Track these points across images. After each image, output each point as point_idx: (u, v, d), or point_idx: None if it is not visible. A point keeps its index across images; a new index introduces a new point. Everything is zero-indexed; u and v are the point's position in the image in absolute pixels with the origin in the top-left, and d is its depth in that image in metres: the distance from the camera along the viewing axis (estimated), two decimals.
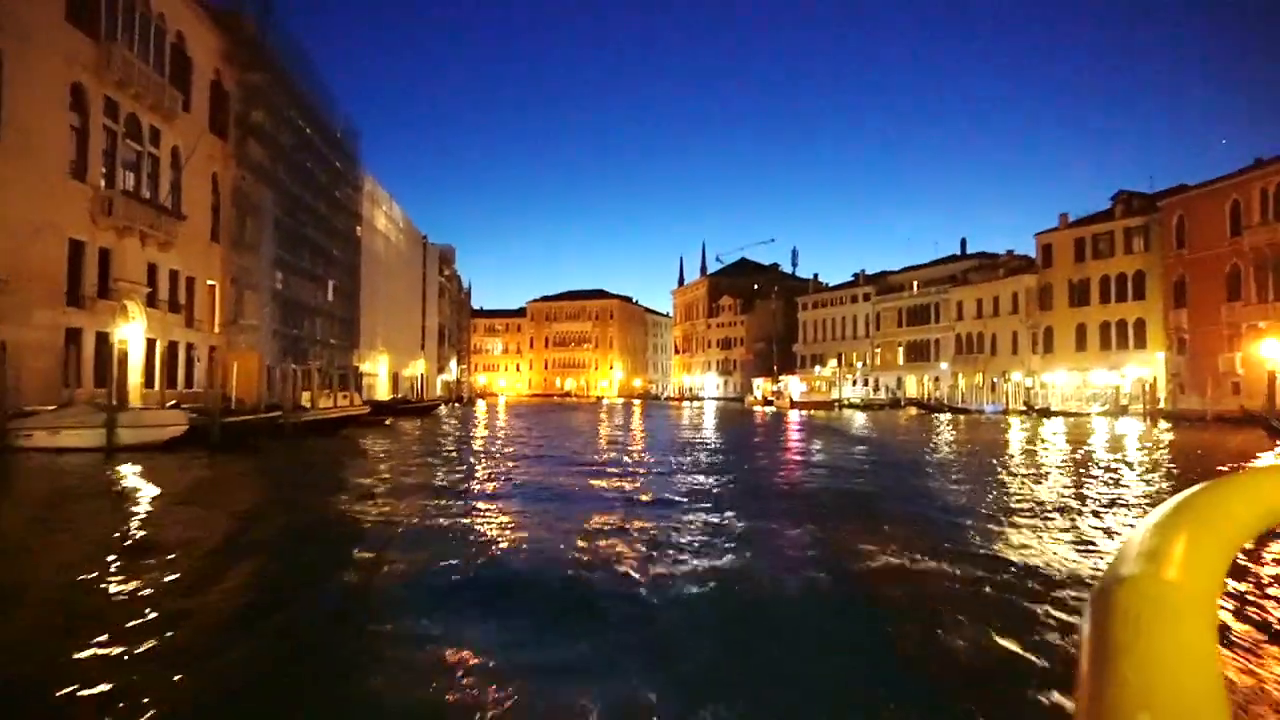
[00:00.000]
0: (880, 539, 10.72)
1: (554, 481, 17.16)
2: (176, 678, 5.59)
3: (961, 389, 72.16)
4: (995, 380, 69.69)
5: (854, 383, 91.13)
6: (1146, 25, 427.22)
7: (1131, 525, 11.81)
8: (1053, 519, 12.54)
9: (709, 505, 13.80)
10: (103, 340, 26.78)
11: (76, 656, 5.86)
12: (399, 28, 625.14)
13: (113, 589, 7.90)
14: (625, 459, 23.11)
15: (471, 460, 22.55)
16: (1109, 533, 11.48)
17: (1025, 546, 10.35)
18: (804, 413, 69.41)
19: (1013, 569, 9.05)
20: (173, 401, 27.90)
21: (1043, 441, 32.39)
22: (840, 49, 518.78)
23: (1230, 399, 43.80)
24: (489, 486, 16.66)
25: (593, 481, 17.16)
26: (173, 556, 9.38)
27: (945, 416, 59.60)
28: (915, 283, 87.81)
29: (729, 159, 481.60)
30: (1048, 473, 20.01)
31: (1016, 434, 37.85)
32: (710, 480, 17.75)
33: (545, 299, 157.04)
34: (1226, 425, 39.26)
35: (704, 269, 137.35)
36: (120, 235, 28.17)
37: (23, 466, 17.73)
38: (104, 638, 6.26)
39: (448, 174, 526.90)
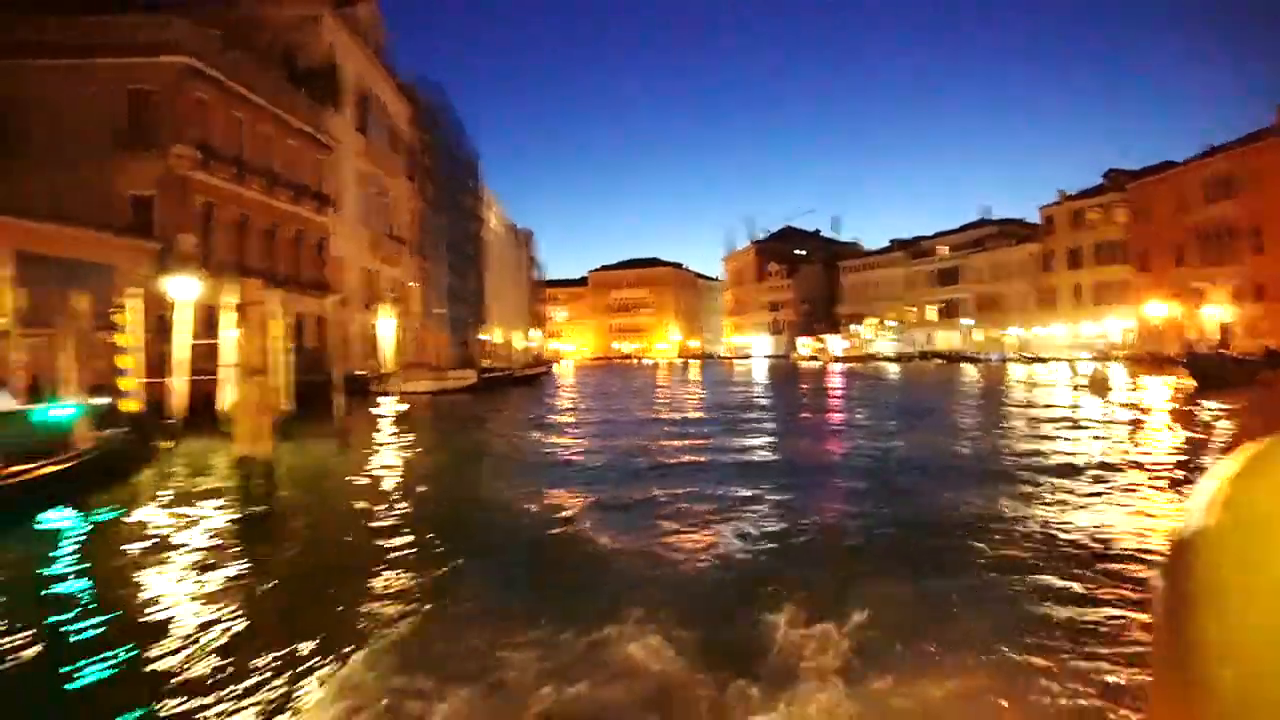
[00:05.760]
0: (877, 410, 24.93)
1: (662, 392, 31.56)
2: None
3: (978, 342, 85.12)
4: (1008, 333, 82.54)
5: (891, 339, 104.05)
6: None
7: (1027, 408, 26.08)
8: (974, 395, 26.59)
9: (771, 406, 28.05)
10: (376, 329, 41.78)
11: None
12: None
13: (483, 428, 22.45)
14: (704, 391, 37.43)
15: (611, 384, 37.42)
16: (993, 403, 25.45)
17: (938, 398, 24.43)
18: (844, 365, 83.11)
19: (930, 405, 23.18)
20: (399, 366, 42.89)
21: (1012, 376, 46.04)
22: (875, 30, 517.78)
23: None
24: (634, 390, 31.11)
25: (685, 393, 31.47)
26: (497, 421, 24.06)
27: (959, 365, 72.95)
28: (944, 247, 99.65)
29: (773, 131, 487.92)
30: (981, 384, 33.90)
31: (996, 372, 51.39)
32: (770, 394, 31.95)
33: (605, 268, 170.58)
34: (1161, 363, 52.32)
35: (751, 237, 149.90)
36: (380, 260, 43.07)
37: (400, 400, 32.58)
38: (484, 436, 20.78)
39: (505, 146, 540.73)
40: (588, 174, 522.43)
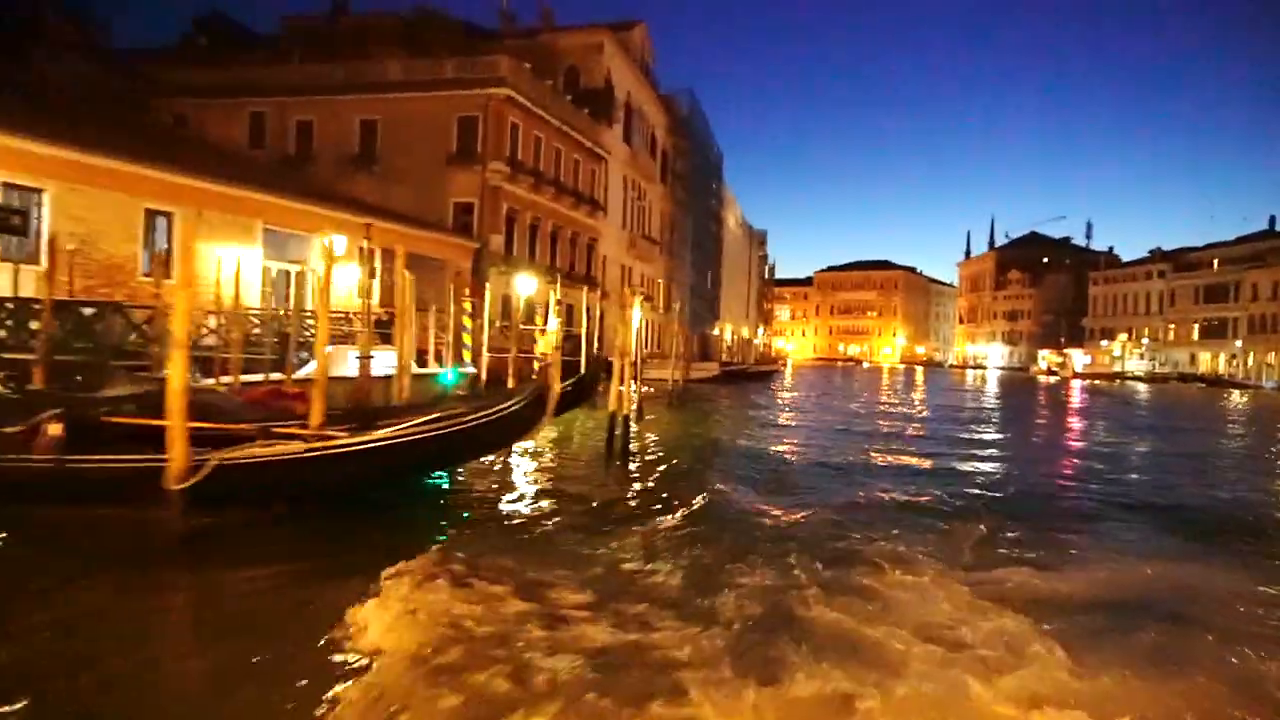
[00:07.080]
0: (1122, 432, 25.54)
1: (887, 396, 32.98)
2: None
3: (1250, 366, 77.48)
4: None
5: (1141, 357, 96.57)
6: None
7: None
8: (1239, 426, 26.39)
9: (1001, 422, 28.97)
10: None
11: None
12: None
13: (734, 412, 25.03)
14: (928, 397, 38.31)
15: (835, 384, 39.26)
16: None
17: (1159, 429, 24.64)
18: (1086, 381, 78.82)
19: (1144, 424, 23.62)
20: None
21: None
22: (1136, 27, 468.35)
23: None
24: (858, 391, 32.85)
25: (912, 399, 32.72)
26: (744, 407, 26.59)
27: (1225, 390, 67.19)
28: (1215, 260, 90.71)
29: (1022, 130, 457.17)
30: (1250, 414, 32.55)
31: (1271, 401, 47.64)
32: (1002, 409, 32.60)
33: (832, 269, 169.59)
34: None
35: (992, 243, 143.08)
36: (635, 258, 47.61)
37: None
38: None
39: (739, 143, 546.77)
40: (821, 173, 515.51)
